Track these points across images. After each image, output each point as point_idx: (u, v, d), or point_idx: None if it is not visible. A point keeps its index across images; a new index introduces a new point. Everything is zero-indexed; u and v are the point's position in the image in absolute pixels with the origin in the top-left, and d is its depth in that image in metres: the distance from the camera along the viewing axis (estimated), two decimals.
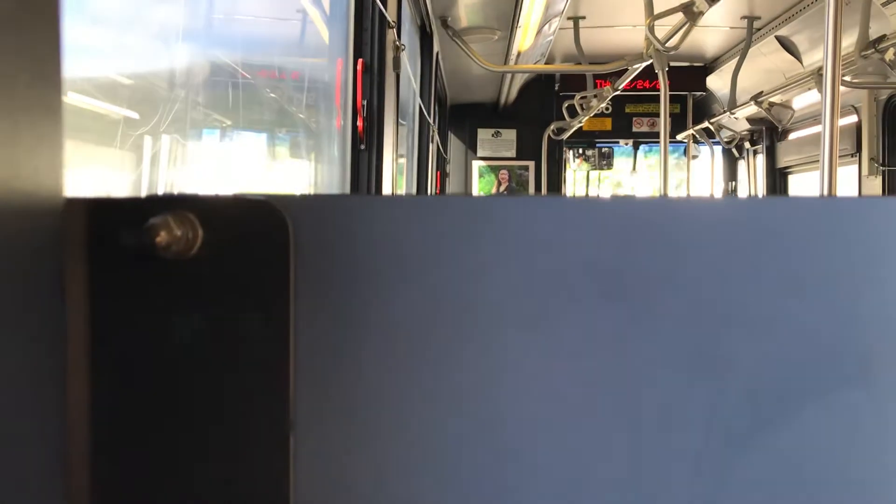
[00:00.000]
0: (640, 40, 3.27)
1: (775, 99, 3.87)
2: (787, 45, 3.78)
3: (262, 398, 0.37)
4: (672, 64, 3.38)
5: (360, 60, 1.89)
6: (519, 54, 3.78)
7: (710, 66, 4.89)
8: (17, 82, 0.28)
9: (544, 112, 5.59)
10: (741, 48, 3.85)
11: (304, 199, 0.38)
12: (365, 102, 1.93)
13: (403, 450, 0.38)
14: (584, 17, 3.79)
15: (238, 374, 0.37)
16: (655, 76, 3.21)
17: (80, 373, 0.36)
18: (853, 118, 3.88)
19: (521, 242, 0.38)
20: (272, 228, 0.37)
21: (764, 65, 4.07)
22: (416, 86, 3.31)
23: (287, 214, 0.37)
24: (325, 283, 0.38)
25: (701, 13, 2.55)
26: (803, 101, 4.18)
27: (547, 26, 3.37)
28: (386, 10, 1.93)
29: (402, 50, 2.17)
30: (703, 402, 0.38)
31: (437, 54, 3.75)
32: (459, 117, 5.81)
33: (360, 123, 1.93)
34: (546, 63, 4.33)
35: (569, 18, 3.67)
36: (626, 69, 3.55)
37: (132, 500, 0.37)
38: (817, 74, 3.08)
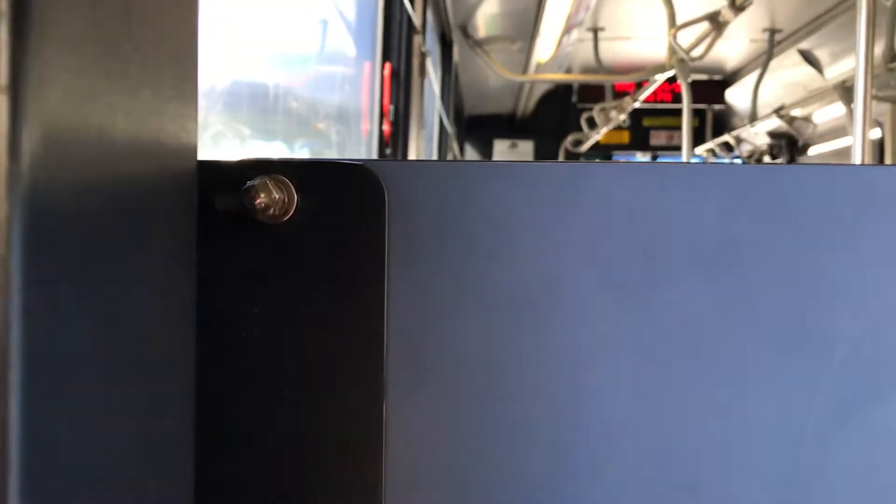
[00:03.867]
0: (658, 52, 3.27)
1: (797, 112, 3.85)
2: (809, 58, 3.77)
3: (356, 364, 0.36)
4: (691, 77, 3.37)
5: (387, 64, 1.89)
6: (538, 65, 3.79)
7: (730, 79, 4.89)
8: (161, 61, 0.30)
9: (562, 124, 5.59)
10: (762, 61, 3.84)
11: (400, 164, 0.37)
12: (392, 107, 1.92)
13: (493, 421, 0.37)
14: (603, 29, 3.79)
15: (331, 340, 0.36)
16: (674, 89, 3.20)
17: (190, 330, 0.35)
18: (876, 132, 3.86)
19: (616, 210, 0.37)
20: (368, 194, 0.36)
21: (785, 78, 4.06)
22: (437, 93, 3.31)
23: (383, 180, 0.36)
24: (419, 250, 0.37)
25: (727, 22, 2.54)
26: (824, 115, 4.17)
27: (566, 37, 3.38)
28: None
29: (428, 56, 2.17)
30: (802, 376, 0.37)
31: (456, 65, 3.76)
32: (476, 128, 5.82)
33: (386, 128, 1.93)
34: (564, 74, 4.33)
35: (588, 29, 3.67)
36: (647, 80, 3.55)
37: (233, 452, 0.36)
38: (841, 88, 3.06)
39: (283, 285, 0.36)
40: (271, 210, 0.35)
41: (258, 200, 0.35)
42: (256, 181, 0.35)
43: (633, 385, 0.37)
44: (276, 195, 0.35)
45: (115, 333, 0.26)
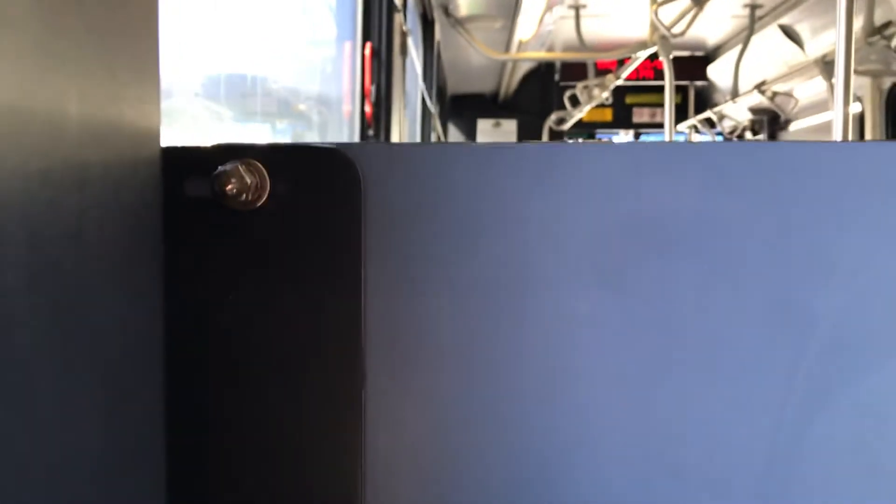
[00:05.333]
0: (640, 29, 3.26)
1: (778, 88, 3.85)
2: (790, 34, 3.78)
3: (333, 350, 0.36)
4: (673, 54, 3.37)
5: (368, 44, 1.87)
6: (520, 44, 3.76)
7: (712, 55, 4.88)
8: (118, 42, 0.29)
9: (545, 103, 5.57)
10: (743, 36, 3.83)
11: (376, 147, 0.37)
12: (373, 87, 1.91)
13: (473, 405, 0.37)
14: (585, 6, 3.77)
15: (308, 328, 0.36)
16: (656, 66, 3.20)
17: (157, 323, 0.34)
18: (856, 107, 3.88)
19: (598, 190, 0.36)
20: (343, 178, 0.36)
21: (766, 54, 4.06)
22: (419, 73, 3.29)
23: (358, 164, 0.36)
24: (397, 234, 0.36)
25: None
26: (805, 90, 4.18)
27: (548, 15, 3.36)
28: None
29: (409, 35, 2.15)
30: (785, 353, 0.37)
31: (438, 43, 3.73)
32: (459, 108, 5.79)
33: (368, 109, 1.91)
34: (547, 52, 4.31)
35: (570, 7, 3.65)
36: (629, 58, 3.54)
37: (206, 441, 0.36)
38: (822, 62, 3.06)
39: (257, 273, 0.36)
40: (243, 196, 0.35)
41: (229, 186, 0.34)
42: (228, 166, 0.34)
43: (615, 365, 0.37)
44: (248, 180, 0.35)
45: (71, 328, 0.26)
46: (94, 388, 0.27)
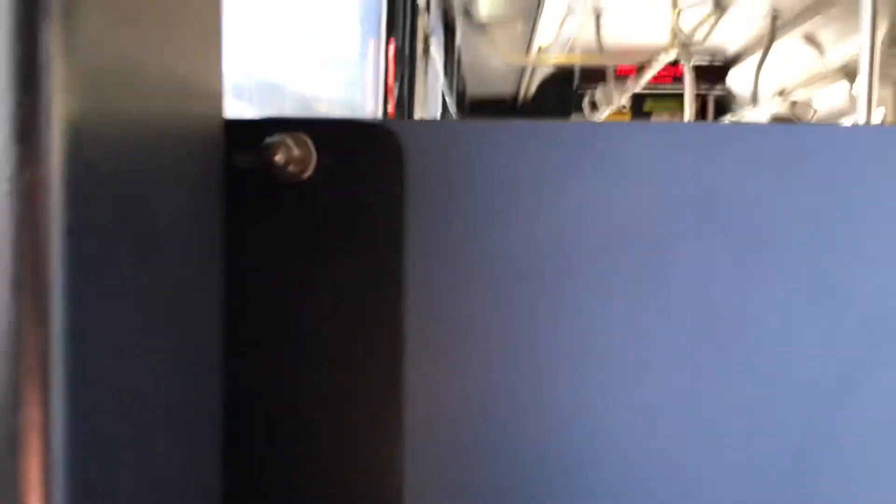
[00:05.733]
0: (661, 35, 3.25)
1: (798, 97, 3.83)
2: (812, 41, 3.76)
3: (374, 323, 0.37)
4: (693, 60, 3.36)
5: (391, 41, 1.89)
6: (540, 49, 3.77)
7: (731, 62, 4.86)
8: (189, 11, 0.30)
9: (563, 108, 5.56)
10: (764, 44, 3.82)
11: (420, 123, 0.38)
12: (396, 85, 1.92)
13: (511, 377, 0.38)
14: (605, 11, 3.77)
15: (350, 298, 0.37)
16: (675, 73, 3.19)
17: (218, 280, 0.35)
18: (879, 112, 3.84)
19: (638, 169, 0.37)
20: (386, 152, 0.36)
21: (787, 61, 4.04)
22: (440, 74, 3.30)
23: (401, 138, 0.36)
24: (436, 208, 0.37)
25: (729, 5, 2.53)
26: (825, 98, 4.15)
27: (569, 20, 3.36)
28: None
29: (432, 36, 2.16)
30: (820, 334, 0.37)
31: (459, 48, 3.74)
32: (478, 112, 5.80)
33: (390, 108, 1.92)
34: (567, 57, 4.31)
35: (590, 12, 3.65)
36: (648, 64, 3.54)
37: (255, 404, 0.37)
38: (844, 70, 3.05)
39: (302, 244, 0.37)
40: (290, 167, 0.35)
41: (277, 157, 0.35)
42: (275, 137, 0.35)
43: (651, 341, 0.38)
44: (295, 152, 0.35)
45: (149, 271, 0.27)
46: (167, 330, 0.29)
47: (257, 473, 0.37)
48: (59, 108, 0.21)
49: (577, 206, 0.37)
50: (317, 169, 0.36)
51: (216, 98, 0.33)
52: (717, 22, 2.67)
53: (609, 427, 0.38)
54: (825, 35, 3.65)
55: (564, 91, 5.56)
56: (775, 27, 3.70)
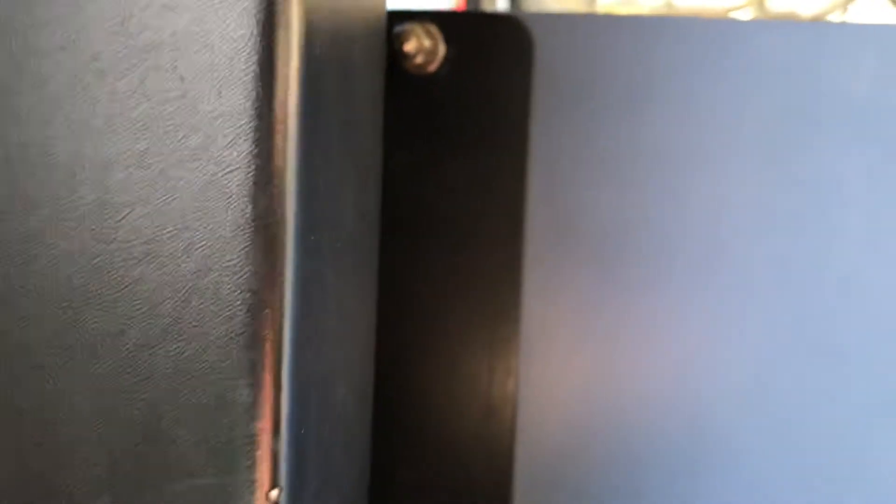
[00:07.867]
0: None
1: None
2: None
3: (496, 220, 0.36)
4: None
5: None
6: None
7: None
8: None
9: None
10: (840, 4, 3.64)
11: (551, 16, 0.36)
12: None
13: (632, 280, 0.36)
14: None
15: (472, 196, 0.36)
16: None
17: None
18: None
19: (766, 70, 0.35)
20: (517, 46, 0.35)
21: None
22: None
23: (533, 32, 0.35)
24: (564, 104, 0.35)
25: None
26: None
27: None
28: None
29: None
30: None
31: None
32: None
33: None
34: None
35: None
36: None
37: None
38: None
39: (428, 137, 0.36)
40: (418, 58, 0.34)
41: (407, 46, 0.34)
42: (406, 25, 0.34)
43: (774, 244, 0.35)
44: (424, 42, 0.34)
45: (356, 171, 0.27)
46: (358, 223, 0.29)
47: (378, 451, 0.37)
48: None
49: (707, 105, 0.35)
50: (444, 61, 0.35)
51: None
52: None
53: (729, 329, 0.36)
54: None
55: None
56: None
